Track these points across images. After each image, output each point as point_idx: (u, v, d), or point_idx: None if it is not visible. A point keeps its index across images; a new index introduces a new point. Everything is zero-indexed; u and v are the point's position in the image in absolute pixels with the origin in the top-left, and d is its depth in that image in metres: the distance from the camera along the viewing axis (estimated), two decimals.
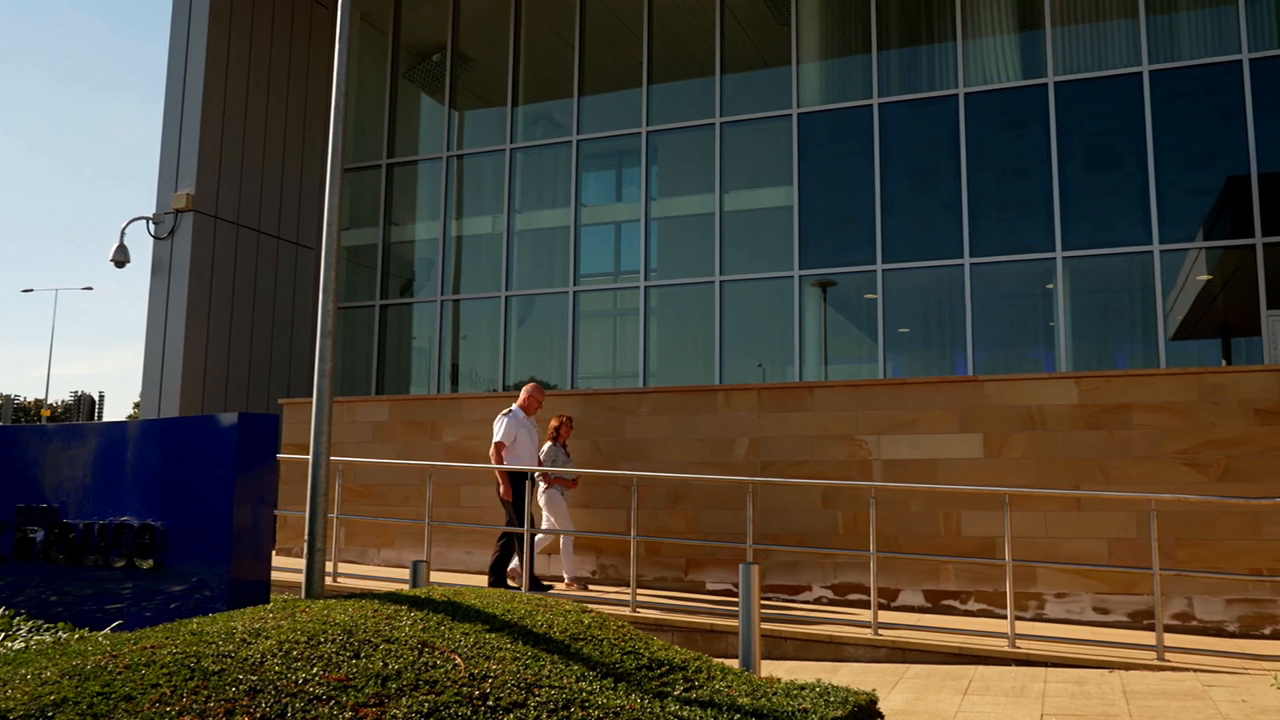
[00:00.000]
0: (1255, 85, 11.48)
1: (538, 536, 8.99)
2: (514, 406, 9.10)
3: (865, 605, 7.65)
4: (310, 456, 5.39)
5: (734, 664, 5.12)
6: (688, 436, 9.44)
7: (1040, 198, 12.05)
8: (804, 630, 7.40)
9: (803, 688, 4.44)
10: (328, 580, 8.25)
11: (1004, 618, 7.16)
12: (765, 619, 7.17)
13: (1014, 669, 6.43)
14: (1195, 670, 6.21)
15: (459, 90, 15.65)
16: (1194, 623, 7.71)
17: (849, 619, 7.74)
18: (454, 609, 4.61)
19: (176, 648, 3.60)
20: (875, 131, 12.88)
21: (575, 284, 14.12)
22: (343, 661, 3.68)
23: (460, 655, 4.02)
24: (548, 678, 3.98)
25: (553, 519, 9.03)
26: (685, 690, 4.29)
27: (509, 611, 4.79)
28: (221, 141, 14.36)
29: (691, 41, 14.21)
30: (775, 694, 4.35)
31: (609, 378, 14.12)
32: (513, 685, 3.75)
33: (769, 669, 5.56)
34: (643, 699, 3.97)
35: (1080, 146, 12.08)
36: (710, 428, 9.39)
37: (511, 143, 14.93)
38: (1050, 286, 11.94)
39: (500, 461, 8.79)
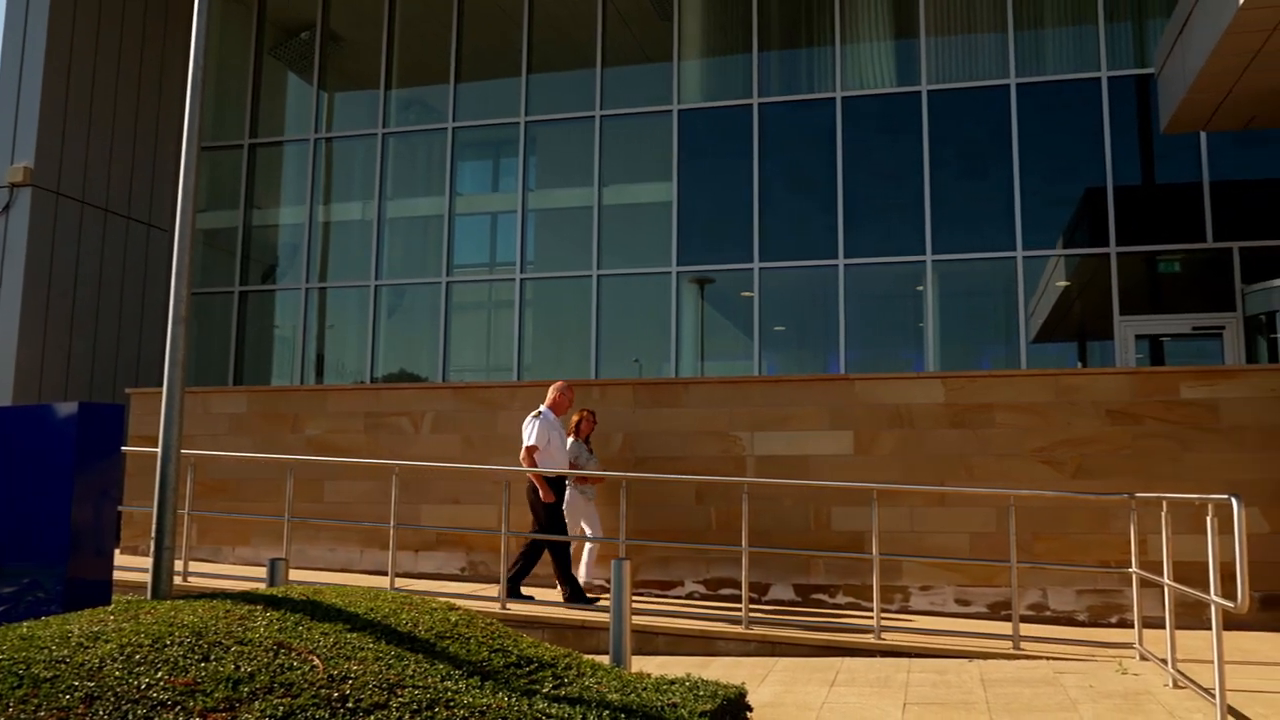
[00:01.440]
0: (1113, 102, 12.20)
1: (584, 544, 8.61)
2: (543, 408, 8.55)
3: (737, 600, 7.79)
4: (159, 449, 5.14)
5: (605, 660, 5.13)
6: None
7: (912, 202, 12.51)
8: (676, 625, 7.49)
9: (673, 682, 4.48)
10: (177, 580, 7.87)
11: (871, 610, 7.40)
12: (637, 614, 7.22)
13: (879, 660, 6.66)
14: (1048, 658, 6.56)
15: (328, 70, 15.18)
16: (1048, 613, 8.15)
17: (721, 614, 7.87)
18: (313, 608, 4.48)
19: (2, 654, 3.37)
20: (755, 131, 13.12)
21: (449, 274, 13.90)
22: (190, 665, 3.52)
23: (319, 656, 3.90)
24: (412, 677, 3.91)
25: (582, 523, 8.61)
26: (554, 687, 4.28)
27: (372, 610, 4.68)
28: (66, 111, 13.52)
29: (573, 32, 14.17)
30: (645, 689, 4.38)
31: (482, 371, 13.96)
32: (374, 686, 3.67)
33: (640, 664, 5.59)
34: (510, 697, 3.93)
35: (951, 153, 12.59)
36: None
37: (384, 127, 14.57)
38: (920, 288, 12.42)
39: (533, 466, 8.25)
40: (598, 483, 8.74)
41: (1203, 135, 11.69)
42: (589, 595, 8.25)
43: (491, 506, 9.02)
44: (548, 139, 14.25)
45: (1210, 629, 4.96)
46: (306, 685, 3.56)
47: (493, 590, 8.29)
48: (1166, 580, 5.79)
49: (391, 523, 8.23)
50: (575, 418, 8.78)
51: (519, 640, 4.78)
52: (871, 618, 7.26)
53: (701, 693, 4.39)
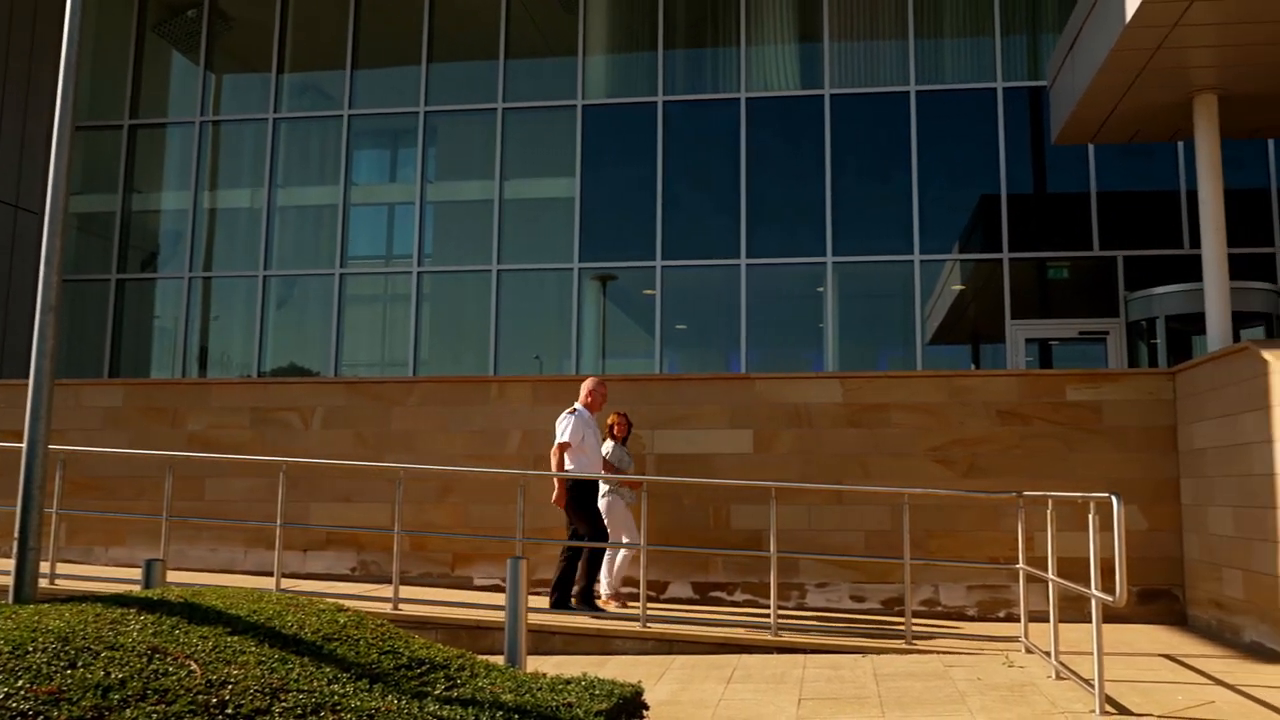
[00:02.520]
0: (1008, 113, 12.66)
1: (620, 551, 8.34)
2: (578, 405, 8.21)
3: (636, 598, 7.81)
4: (25, 444, 4.87)
5: (500, 660, 5.07)
6: (459, 428, 9.31)
7: (814, 204, 12.75)
8: (573, 624, 7.47)
9: (568, 682, 4.46)
10: (43, 583, 7.46)
11: (768, 607, 7.51)
12: (534, 613, 7.16)
13: (776, 657, 6.76)
14: (939, 653, 6.76)
15: (217, 51, 14.65)
16: (940, 608, 8.42)
17: (619, 612, 7.87)
18: (191, 611, 4.32)
19: None
20: (659, 129, 13.18)
21: (342, 266, 13.57)
22: (55, 672, 3.34)
23: (197, 661, 3.75)
24: (296, 681, 3.79)
25: (620, 529, 8.30)
26: (446, 689, 4.21)
27: (255, 612, 4.53)
28: None
29: (475, 22, 14.00)
30: (540, 689, 4.35)
31: (377, 366, 13.67)
32: (256, 691, 3.55)
33: (536, 664, 5.55)
34: (400, 699, 3.86)
35: (852, 157, 12.88)
36: (483, 419, 9.31)
37: (275, 112, 14.14)
38: (821, 290, 12.67)
39: (562, 465, 7.92)
40: (637, 487, 8.42)
41: (1091, 147, 12.23)
42: (598, 602, 8.04)
43: (384, 505, 8.86)
44: (448, 130, 14.04)
45: (1091, 622, 5.18)
46: (183, 691, 3.42)
47: (385, 590, 8.12)
48: (1051, 576, 6.02)
49: (278, 521, 7.98)
50: (610, 419, 8.49)
51: (411, 641, 4.69)
52: (769, 615, 7.36)
53: (597, 692, 4.38)
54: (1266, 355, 6.89)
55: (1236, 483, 7.30)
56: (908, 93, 12.88)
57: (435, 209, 13.81)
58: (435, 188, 13.85)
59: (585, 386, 8.36)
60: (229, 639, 4.01)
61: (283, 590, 7.08)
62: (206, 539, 9.39)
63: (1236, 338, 9.30)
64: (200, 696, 3.42)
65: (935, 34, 13.10)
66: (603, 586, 8.23)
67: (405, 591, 8.03)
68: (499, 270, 13.15)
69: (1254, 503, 6.98)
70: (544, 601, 7.97)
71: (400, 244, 13.76)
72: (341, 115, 13.94)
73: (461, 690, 4.20)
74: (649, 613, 7.49)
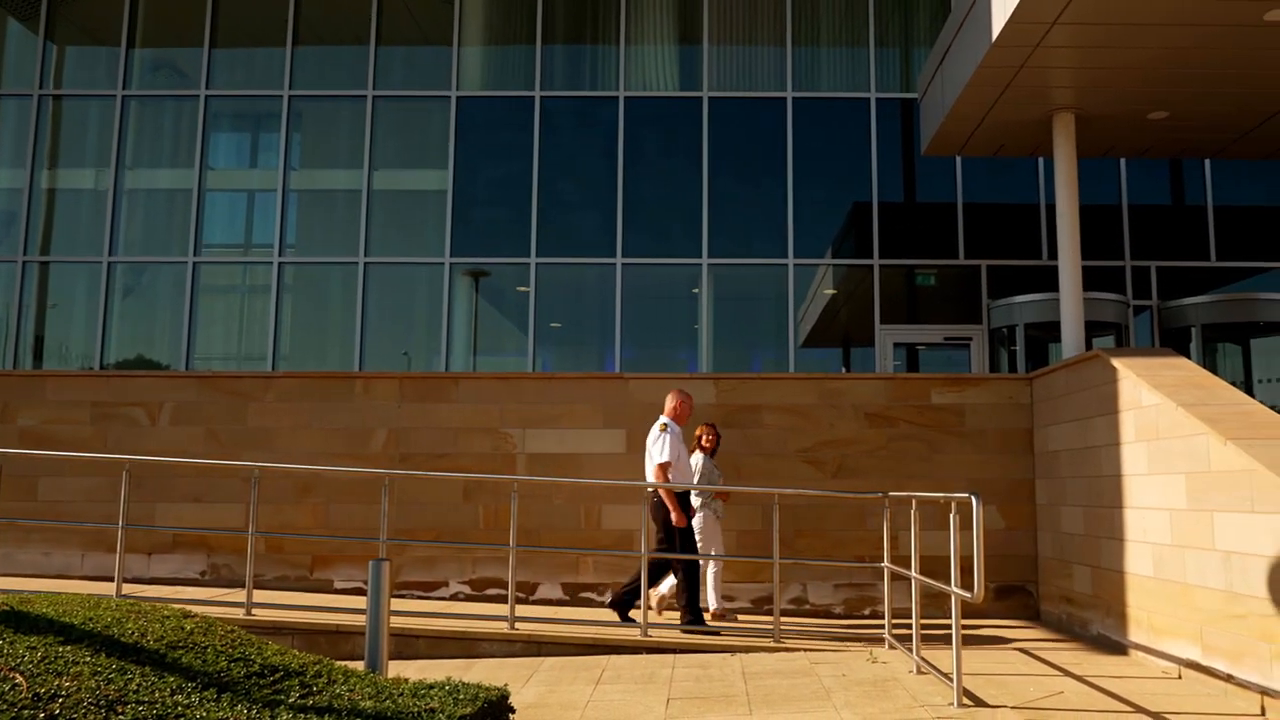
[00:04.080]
0: (880, 122, 13.08)
1: (712, 565, 7.99)
2: (666, 419, 7.90)
3: (504, 600, 7.73)
4: None
5: (360, 666, 4.93)
6: (320, 425, 9.05)
7: (691, 205, 12.89)
8: (437, 627, 7.34)
9: (431, 687, 4.39)
10: None
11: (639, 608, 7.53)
12: (397, 616, 7.01)
13: (645, 657, 6.80)
14: (806, 650, 6.92)
15: (58, 20, 13.80)
16: (808, 606, 8.63)
17: (486, 614, 7.77)
18: (18, 619, 4.07)
19: None
20: (536, 124, 13.10)
21: (196, 254, 12.98)
22: None
23: (23, 673, 3.53)
24: (135, 693, 3.63)
25: (710, 544, 8.02)
26: (301, 697, 4.09)
27: (91, 620, 4.30)
28: None
29: (346, 5, 13.60)
30: (401, 695, 4.27)
31: (233, 359, 13.12)
32: (90, 704, 3.37)
33: (398, 669, 5.41)
34: (250, 709, 3.73)
35: (729, 160, 13.07)
36: (346, 417, 9.07)
37: (124, 89, 13.42)
38: (696, 291, 12.81)
39: (667, 484, 7.63)
40: (726, 499, 8.26)
41: (958, 159, 12.75)
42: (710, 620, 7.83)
43: (237, 505, 8.55)
44: (314, 116, 13.60)
45: (951, 618, 5.38)
46: (6, 706, 3.22)
47: (238, 595, 7.81)
48: (914, 574, 6.24)
49: (120, 523, 7.57)
50: (697, 432, 8.25)
51: (264, 648, 4.53)
52: (639, 614, 7.38)
53: (461, 696, 4.32)
54: (1116, 363, 7.31)
55: (1087, 484, 7.72)
56: (785, 99, 13.16)
57: (299, 197, 13.36)
58: (299, 175, 13.40)
59: (672, 400, 8.06)
60: (61, 649, 3.81)
61: (124, 596, 6.80)
62: (39, 542, 8.84)
63: (1089, 346, 9.84)
64: (26, 712, 3.23)
65: (812, 42, 13.43)
66: (710, 601, 8.01)
67: (260, 596, 7.76)
68: (366, 263, 12.82)
69: (1102, 503, 7.40)
70: (408, 604, 7.80)
71: (261, 233, 13.25)
72: (198, 95, 13.34)
73: (318, 698, 4.09)
74: (517, 614, 7.42)
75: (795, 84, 13.18)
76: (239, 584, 8.28)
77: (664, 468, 7.61)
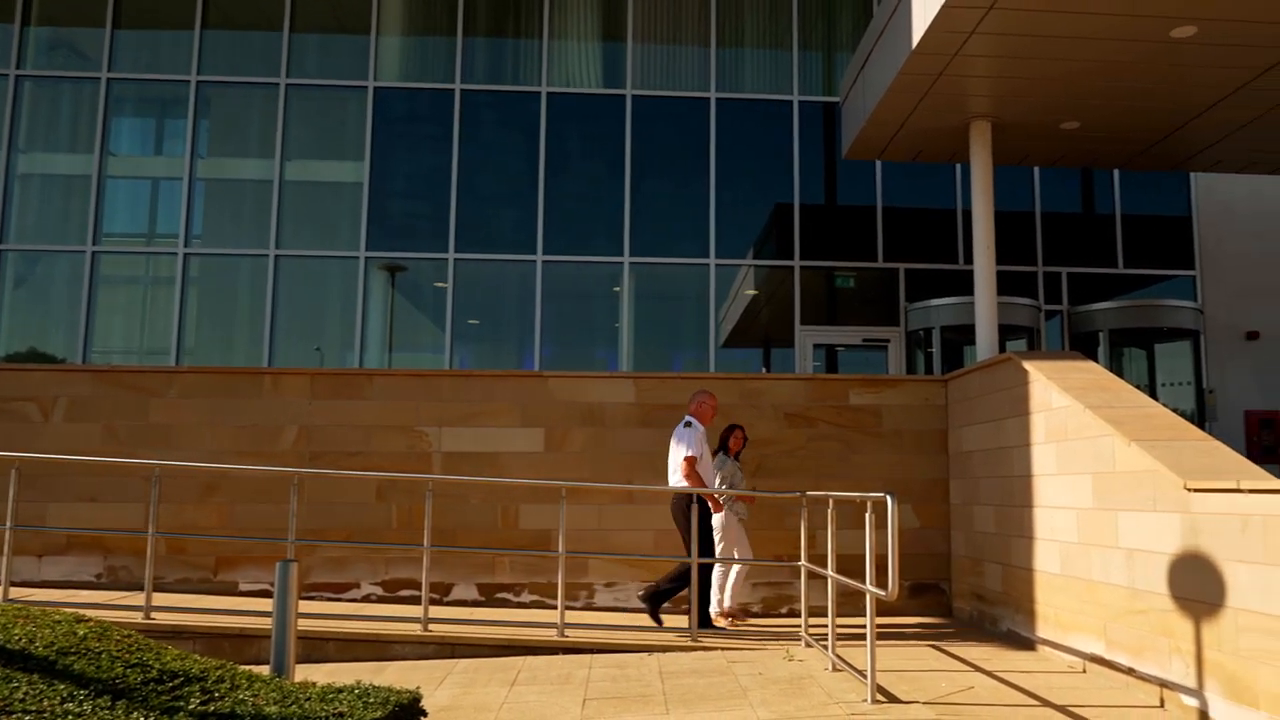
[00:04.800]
0: (803, 125, 13.26)
1: (732, 567, 7.83)
2: (692, 418, 7.82)
3: (417, 601, 7.62)
4: None
5: (266, 670, 4.81)
6: (226, 423, 8.81)
7: (613, 202, 12.89)
8: (347, 629, 7.21)
9: (340, 690, 4.31)
10: None
11: (556, 608, 7.51)
12: (305, 619, 6.87)
13: (562, 657, 6.77)
14: (723, 649, 6.96)
15: None
16: (726, 605, 8.65)
17: (398, 616, 7.66)
18: None
19: None
20: (456, 117, 12.96)
21: (96, 243, 12.52)
22: None
23: None
24: (23, 701, 3.50)
25: (735, 546, 7.87)
26: (203, 703, 3.98)
27: None
28: None
29: None
30: (309, 699, 4.18)
31: (135, 353, 12.69)
32: None
33: (306, 673, 5.30)
34: (148, 716, 3.62)
35: (652, 159, 13.11)
36: (254, 414, 8.85)
37: (19, 68, 12.90)
38: (617, 289, 12.82)
39: (697, 479, 7.53)
40: (751, 502, 8.16)
41: (878, 164, 13.01)
42: (719, 622, 7.77)
43: (137, 505, 8.29)
44: (224, 103, 13.25)
45: (866, 616, 5.48)
46: None
47: (136, 598, 7.56)
48: (830, 572, 6.33)
49: (8, 524, 7.26)
50: (732, 434, 8.19)
51: (163, 653, 4.41)
52: (556, 615, 7.35)
53: (372, 699, 4.24)
54: (1027, 366, 7.53)
55: (998, 483, 7.93)
56: (708, 99, 13.25)
57: (206, 187, 12.99)
58: (207, 164, 13.03)
59: (697, 399, 8.01)
60: None
61: (11, 600, 6.54)
62: None
63: (1002, 349, 10.11)
64: None
65: (736, 43, 13.55)
66: (726, 600, 7.99)
67: (160, 599, 7.54)
68: (277, 255, 12.53)
69: (1013, 502, 7.61)
70: (317, 606, 7.63)
71: (165, 222, 12.85)
72: (99, 78, 12.88)
73: (220, 704, 3.99)
74: (431, 615, 7.32)
75: (719, 84, 13.28)
76: (138, 587, 8.02)
77: (691, 461, 7.57)
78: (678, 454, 7.71)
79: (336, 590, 8.62)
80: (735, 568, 8.02)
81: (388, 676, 5.99)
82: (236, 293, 12.74)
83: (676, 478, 7.68)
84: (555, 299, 12.66)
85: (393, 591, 8.62)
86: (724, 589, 8.05)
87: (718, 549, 7.85)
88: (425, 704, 4.62)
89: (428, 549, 7.41)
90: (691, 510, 7.38)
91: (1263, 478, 5.04)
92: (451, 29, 13.21)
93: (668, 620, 7.74)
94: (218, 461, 8.49)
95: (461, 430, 8.90)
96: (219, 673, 4.32)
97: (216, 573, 8.63)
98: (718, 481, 7.92)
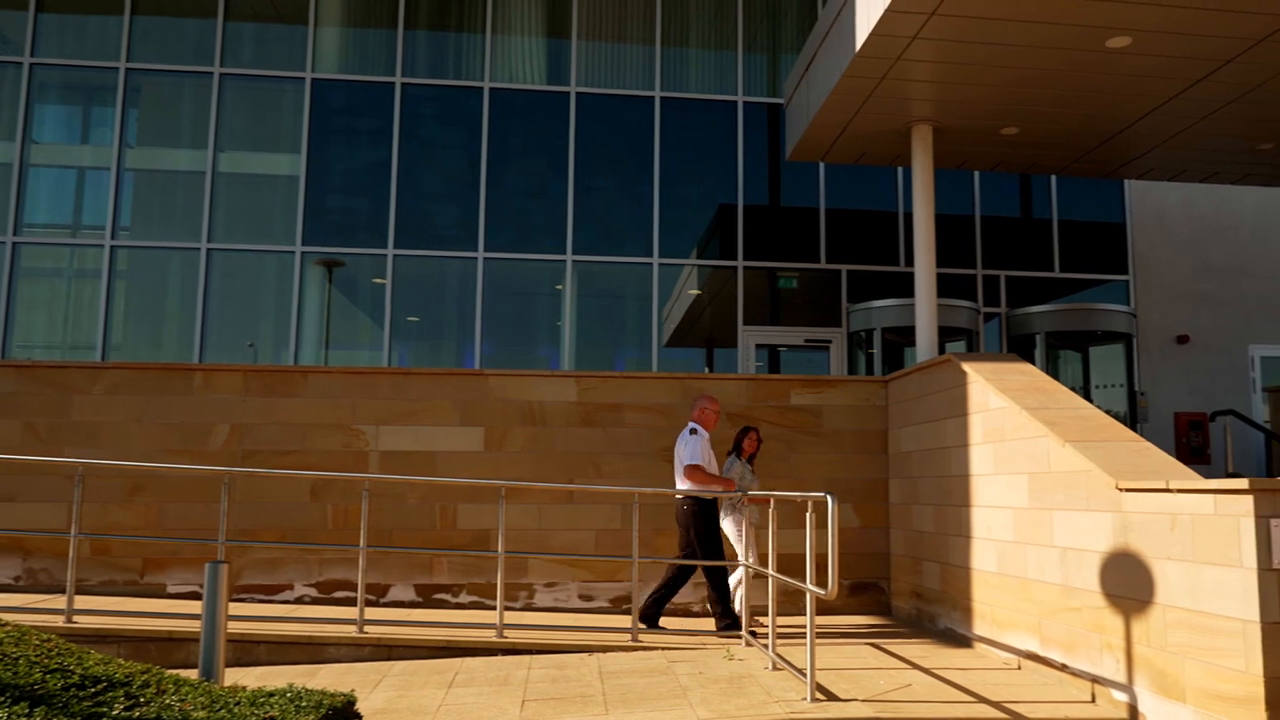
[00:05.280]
0: (747, 126, 13.34)
1: (739, 572, 7.60)
2: (696, 425, 7.80)
3: (353, 603, 7.52)
4: None
5: (194, 674, 4.70)
6: (154, 420, 8.62)
7: (556, 199, 12.85)
8: (279, 631, 7.07)
9: (272, 694, 4.23)
10: None
11: (494, 609, 7.45)
12: (236, 621, 6.75)
13: (501, 659, 6.72)
14: (663, 649, 6.97)
15: None
16: (668, 605, 8.68)
17: (333, 617, 7.55)
18: None
19: None
20: (396, 111, 12.82)
21: (16, 233, 12.15)
22: None
23: None
24: None
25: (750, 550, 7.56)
26: (126, 709, 3.89)
27: None
28: None
29: None
30: (239, 703, 4.10)
31: (57, 348, 12.34)
32: None
33: (237, 676, 5.20)
34: None
35: (596, 156, 13.10)
36: (184, 411, 8.66)
37: None
38: (560, 287, 12.78)
39: (705, 484, 7.54)
40: (766, 504, 7.83)
41: (822, 166, 13.14)
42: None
43: (59, 505, 8.06)
44: (155, 91, 12.94)
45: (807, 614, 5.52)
46: None
47: (58, 601, 7.35)
48: (771, 571, 6.37)
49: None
50: (747, 437, 8.08)
51: (85, 658, 4.29)
52: (494, 616, 7.30)
53: (304, 703, 4.17)
54: (965, 367, 7.66)
55: (937, 483, 8.06)
56: (653, 98, 13.27)
57: (136, 177, 12.68)
58: (136, 153, 12.72)
59: (699, 406, 7.98)
60: None
61: None
62: None
63: (942, 350, 10.27)
64: None
65: (681, 43, 13.59)
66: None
67: (84, 602, 7.36)
68: (209, 249, 12.27)
69: (951, 501, 7.74)
70: (249, 609, 7.49)
71: (92, 213, 12.51)
72: (21, 62, 12.51)
73: (145, 710, 3.90)
74: (367, 617, 7.23)
75: (664, 83, 13.31)
76: (59, 590, 7.81)
77: (695, 468, 7.61)
78: (680, 462, 7.75)
79: (269, 592, 8.47)
80: (740, 570, 7.85)
81: (321, 679, 5.90)
82: (166, 287, 12.45)
83: (683, 484, 7.68)
84: (496, 297, 12.58)
85: (327, 593, 8.50)
86: (734, 592, 7.95)
87: (740, 552, 7.75)
88: (360, 707, 4.56)
89: (364, 549, 7.31)
90: (698, 515, 7.44)
91: (1191, 478, 5.19)
92: (392, 21, 13.06)
93: (621, 620, 7.74)
94: (145, 460, 8.31)
95: (400, 429, 8.80)
96: (144, 677, 4.22)
97: (143, 575, 8.42)
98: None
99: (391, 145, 12.74)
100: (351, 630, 7.10)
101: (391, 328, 12.33)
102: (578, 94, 13.14)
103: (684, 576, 7.75)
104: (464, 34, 13.26)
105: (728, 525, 7.91)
